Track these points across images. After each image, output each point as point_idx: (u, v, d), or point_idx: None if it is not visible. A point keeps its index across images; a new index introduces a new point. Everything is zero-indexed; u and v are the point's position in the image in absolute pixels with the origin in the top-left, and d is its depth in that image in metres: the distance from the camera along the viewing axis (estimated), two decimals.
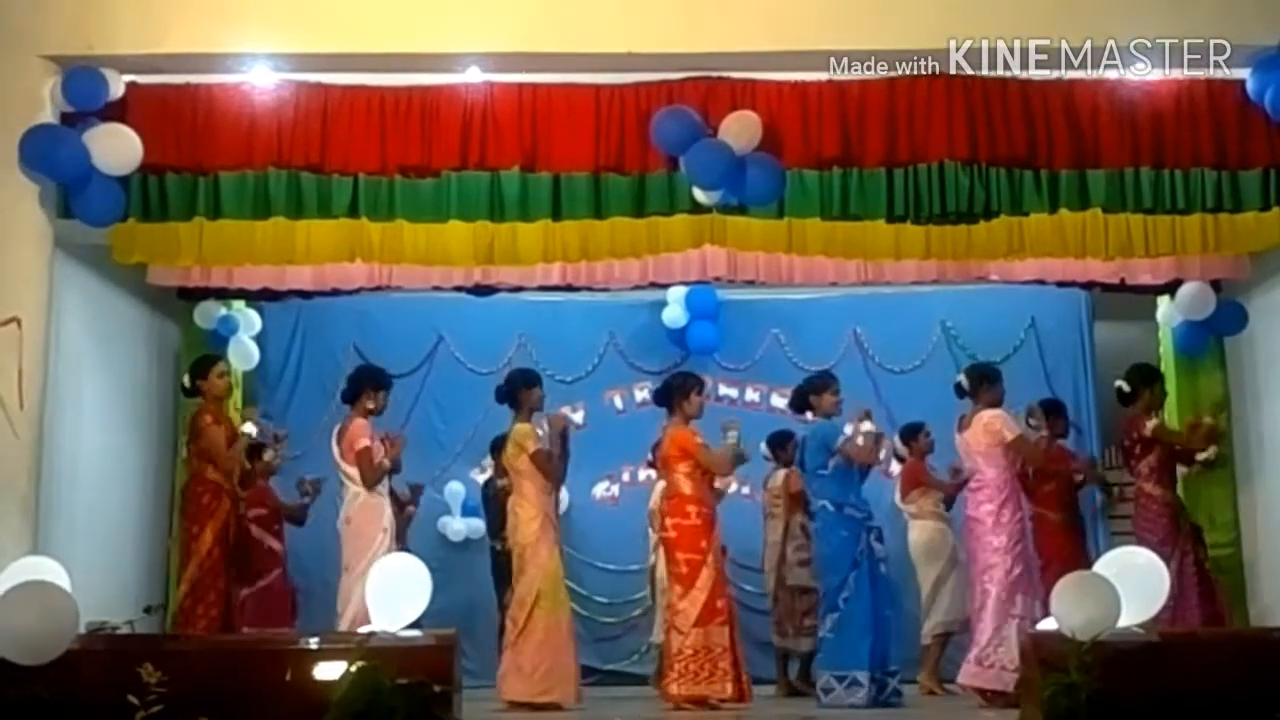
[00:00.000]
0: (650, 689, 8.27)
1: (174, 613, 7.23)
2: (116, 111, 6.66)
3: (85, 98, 6.54)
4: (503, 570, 8.03)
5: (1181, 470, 7.92)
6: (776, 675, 8.34)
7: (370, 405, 7.23)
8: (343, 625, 6.74)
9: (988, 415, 7.14)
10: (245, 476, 8.23)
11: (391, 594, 5.37)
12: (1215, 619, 7.25)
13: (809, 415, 7.54)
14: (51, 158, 6.38)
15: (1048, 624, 5.41)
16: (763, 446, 8.41)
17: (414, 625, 5.32)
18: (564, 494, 9.09)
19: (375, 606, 5.36)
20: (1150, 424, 7.43)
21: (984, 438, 7.10)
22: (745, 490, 8.90)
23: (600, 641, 9.61)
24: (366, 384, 7.32)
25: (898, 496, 8.61)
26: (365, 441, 7.06)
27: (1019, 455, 7.19)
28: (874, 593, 7.02)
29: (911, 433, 8.52)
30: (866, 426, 7.35)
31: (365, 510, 7.05)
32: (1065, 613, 5.01)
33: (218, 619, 6.99)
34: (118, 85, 6.64)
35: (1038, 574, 6.97)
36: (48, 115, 6.53)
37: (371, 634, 5.23)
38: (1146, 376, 7.67)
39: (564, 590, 7.26)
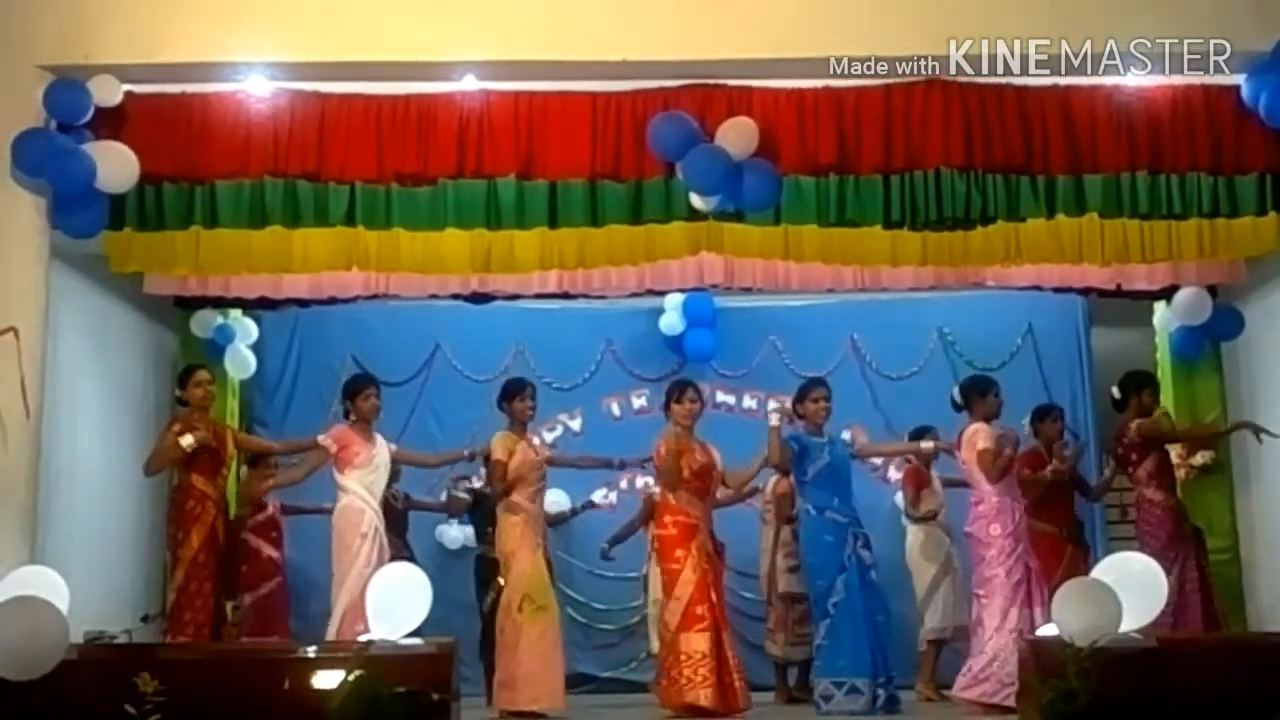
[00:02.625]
0: (649, 696, 8.25)
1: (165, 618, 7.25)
2: (112, 120, 6.65)
3: (67, 110, 6.52)
4: (483, 574, 8.04)
5: (1179, 474, 7.90)
6: (775, 683, 8.32)
7: (353, 416, 7.29)
8: (331, 630, 6.75)
9: (969, 430, 7.14)
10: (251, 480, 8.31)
11: (392, 603, 5.37)
12: (1212, 624, 7.24)
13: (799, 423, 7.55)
14: (54, 168, 6.35)
15: (1047, 630, 5.40)
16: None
17: (413, 633, 5.31)
18: (564, 497, 9.16)
19: (376, 615, 5.36)
20: (1134, 424, 7.42)
21: (971, 453, 7.09)
22: None
23: (598, 649, 9.59)
24: (345, 396, 7.49)
25: (903, 504, 8.58)
26: (322, 438, 7.24)
27: (984, 468, 7.03)
28: (864, 597, 6.99)
29: (917, 437, 8.48)
30: (927, 444, 7.79)
31: (344, 516, 7.07)
32: (1067, 619, 5.01)
33: (205, 625, 7.00)
34: (116, 94, 6.63)
35: (1036, 588, 6.94)
36: (45, 125, 6.52)
37: (370, 642, 5.23)
38: (1137, 382, 7.66)
39: (549, 596, 7.19)
